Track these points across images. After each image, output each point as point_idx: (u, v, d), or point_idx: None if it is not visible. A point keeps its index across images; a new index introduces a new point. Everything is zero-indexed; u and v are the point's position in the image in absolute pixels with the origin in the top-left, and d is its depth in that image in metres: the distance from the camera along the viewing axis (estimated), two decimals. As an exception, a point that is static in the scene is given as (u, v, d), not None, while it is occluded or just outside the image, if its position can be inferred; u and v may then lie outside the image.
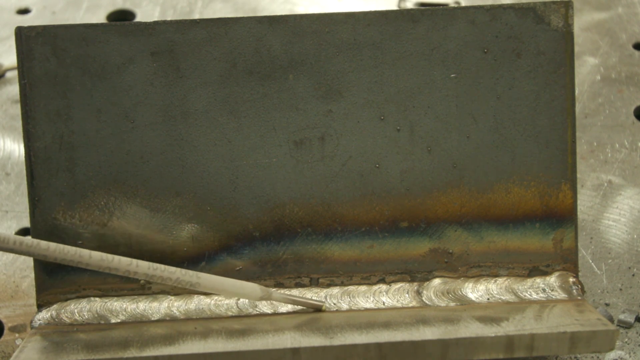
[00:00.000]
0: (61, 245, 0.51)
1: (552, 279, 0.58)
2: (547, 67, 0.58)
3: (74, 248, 0.51)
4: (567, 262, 0.59)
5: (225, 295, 0.55)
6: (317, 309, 0.57)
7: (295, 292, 0.58)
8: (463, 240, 0.59)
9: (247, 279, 0.58)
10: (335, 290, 0.58)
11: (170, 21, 0.58)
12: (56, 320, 0.57)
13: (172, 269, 0.53)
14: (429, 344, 0.51)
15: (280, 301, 0.56)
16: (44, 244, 0.50)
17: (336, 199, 0.59)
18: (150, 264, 0.52)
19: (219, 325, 0.55)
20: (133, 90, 0.58)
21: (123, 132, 0.58)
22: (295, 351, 0.51)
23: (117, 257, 0.52)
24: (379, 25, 0.58)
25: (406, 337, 0.51)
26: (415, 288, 0.58)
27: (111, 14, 0.99)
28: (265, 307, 0.57)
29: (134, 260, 0.52)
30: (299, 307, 0.57)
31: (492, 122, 0.58)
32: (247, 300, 0.58)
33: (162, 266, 0.53)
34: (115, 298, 0.58)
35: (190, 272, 0.53)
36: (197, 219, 0.58)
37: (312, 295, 0.58)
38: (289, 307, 0.57)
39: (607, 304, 0.62)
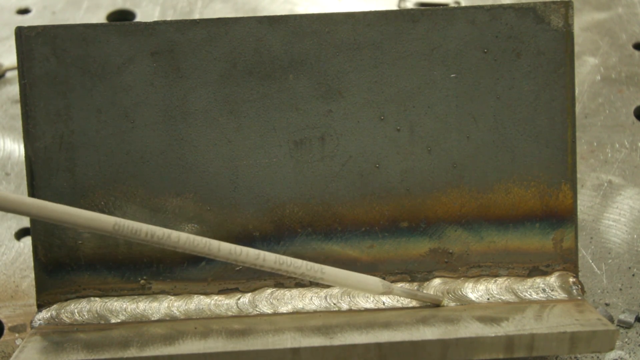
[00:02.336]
0: (192, 237, 0.51)
1: (552, 279, 0.58)
2: (547, 67, 0.58)
3: (203, 239, 0.51)
4: (567, 262, 0.59)
5: (349, 288, 0.56)
6: (436, 304, 0.57)
7: (309, 291, 0.58)
8: (463, 240, 0.59)
9: (247, 279, 0.58)
10: (335, 290, 0.58)
11: (170, 21, 0.58)
12: (56, 320, 0.57)
13: (299, 262, 0.53)
14: (429, 344, 0.51)
15: (400, 296, 0.56)
16: (174, 235, 0.50)
17: (336, 199, 0.59)
18: (277, 256, 0.52)
19: (219, 325, 0.55)
20: (133, 90, 0.58)
21: (123, 132, 0.58)
22: (295, 351, 0.51)
23: (245, 250, 0.51)
24: (379, 25, 0.58)
25: (406, 337, 0.51)
26: (415, 288, 0.58)
27: (111, 14, 0.99)
28: (265, 307, 0.57)
29: (262, 253, 0.52)
30: (333, 305, 0.57)
31: (492, 122, 0.58)
32: (247, 300, 0.58)
33: (289, 259, 0.52)
34: (115, 298, 0.58)
35: (316, 266, 0.53)
36: (197, 219, 0.58)
37: (312, 295, 0.58)
38: (289, 308, 0.57)
39: (607, 304, 0.62)
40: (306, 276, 0.53)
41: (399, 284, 0.58)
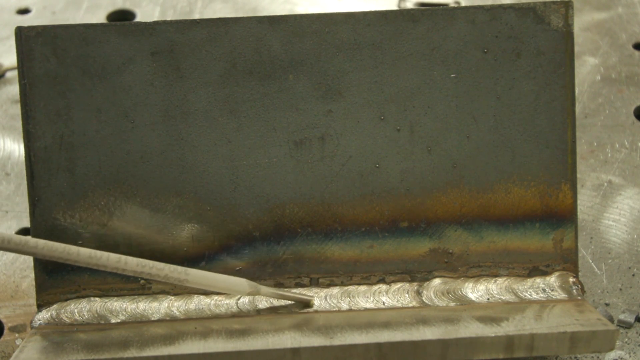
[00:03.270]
0: (50, 243, 0.51)
1: (552, 279, 0.58)
2: (547, 67, 0.58)
3: (62, 245, 0.51)
4: (567, 262, 0.59)
5: (214, 290, 0.55)
6: (306, 304, 0.57)
7: (309, 291, 0.58)
8: (463, 240, 0.59)
9: (247, 279, 0.58)
10: (335, 290, 0.58)
11: (170, 21, 0.58)
12: (56, 320, 0.57)
13: (161, 265, 0.53)
14: (429, 344, 0.51)
15: (268, 296, 0.56)
16: (32, 241, 0.50)
17: (336, 199, 0.59)
18: (139, 260, 0.53)
19: (219, 325, 0.55)
20: (133, 90, 0.58)
21: (123, 132, 0.58)
22: (295, 351, 0.51)
23: (105, 254, 0.52)
24: (379, 25, 0.58)
25: (406, 337, 0.51)
26: (415, 288, 0.58)
27: (111, 14, 0.99)
28: (265, 307, 0.57)
29: (123, 257, 0.52)
30: (287, 303, 0.57)
31: (492, 122, 0.58)
32: (247, 300, 0.58)
33: (151, 262, 0.53)
34: (115, 298, 0.58)
35: (179, 268, 0.53)
36: (197, 219, 0.58)
37: (312, 295, 0.58)
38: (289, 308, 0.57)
39: (607, 304, 0.62)
40: (170, 278, 0.53)
41: (399, 284, 0.58)
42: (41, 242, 0.50)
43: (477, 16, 0.58)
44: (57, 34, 0.57)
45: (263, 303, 0.58)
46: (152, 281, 0.58)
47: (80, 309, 0.57)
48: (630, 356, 0.58)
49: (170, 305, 0.58)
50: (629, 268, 0.65)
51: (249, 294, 0.55)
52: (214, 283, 0.54)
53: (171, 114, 0.58)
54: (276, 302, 0.57)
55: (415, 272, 0.59)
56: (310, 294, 0.57)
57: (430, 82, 0.58)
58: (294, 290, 0.58)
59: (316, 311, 0.57)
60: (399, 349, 0.51)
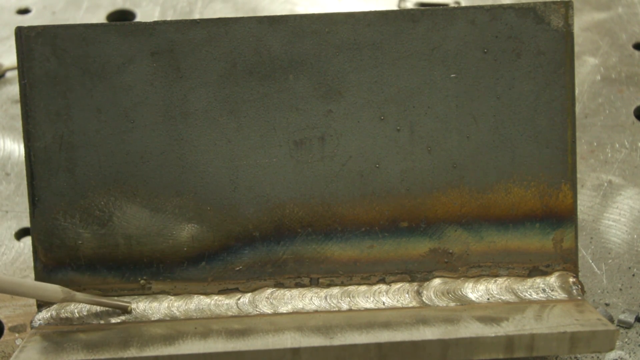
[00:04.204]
0: None
1: (552, 279, 0.58)
2: (547, 67, 0.58)
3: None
4: (567, 262, 0.59)
5: (27, 296, 0.54)
6: (124, 310, 0.57)
7: (309, 291, 0.58)
8: (463, 240, 0.59)
9: (247, 279, 0.58)
10: (335, 290, 0.58)
11: (170, 21, 0.58)
12: (56, 320, 0.57)
13: None
14: (429, 344, 0.51)
15: (84, 302, 0.56)
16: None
17: (336, 199, 0.59)
18: None
19: (219, 325, 0.55)
20: (133, 90, 0.58)
21: (123, 132, 0.58)
22: (295, 351, 0.51)
23: None
24: (379, 25, 0.58)
25: (406, 337, 0.51)
26: (415, 288, 0.58)
27: (111, 14, 0.99)
28: (265, 307, 0.57)
29: None
30: (282, 309, 0.57)
31: (492, 122, 0.58)
32: (247, 300, 0.58)
33: None
34: (115, 298, 0.58)
35: None
36: (197, 219, 0.58)
37: (312, 295, 0.58)
38: (288, 307, 0.57)
39: (607, 304, 0.62)
40: None
41: (399, 284, 0.58)
42: None
43: (477, 16, 0.58)
44: (57, 34, 0.57)
45: (263, 303, 0.58)
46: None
47: (80, 309, 0.57)
48: (630, 356, 0.58)
49: (170, 305, 0.58)
50: (629, 268, 0.65)
51: (62, 300, 0.54)
52: (24, 290, 0.53)
53: (171, 114, 0.58)
54: (93, 309, 0.57)
55: (415, 272, 0.59)
56: (127, 301, 0.57)
57: (430, 82, 0.58)
58: (308, 295, 0.58)
59: (316, 311, 0.57)
60: (399, 349, 0.51)
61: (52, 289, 0.54)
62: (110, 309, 0.57)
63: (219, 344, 0.52)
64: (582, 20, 0.94)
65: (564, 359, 0.58)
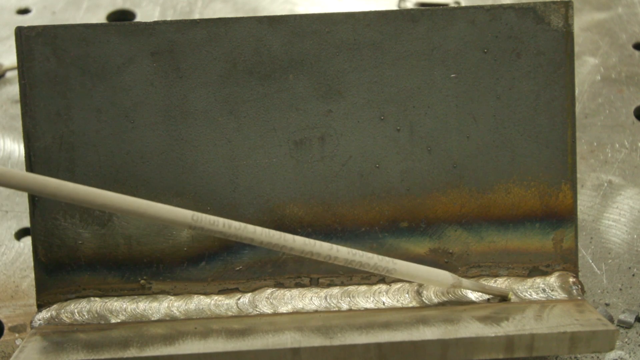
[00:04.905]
0: (267, 230, 0.51)
1: (552, 279, 0.58)
2: (547, 67, 0.58)
3: (278, 233, 0.51)
4: (567, 262, 0.59)
5: (418, 281, 0.56)
6: (504, 298, 0.57)
7: (309, 292, 0.58)
8: (463, 240, 0.59)
9: (247, 280, 0.58)
10: (335, 290, 0.58)
11: (170, 21, 0.58)
12: (56, 320, 0.57)
13: (370, 255, 0.53)
14: (429, 344, 0.51)
15: (469, 289, 0.57)
16: (251, 227, 0.51)
17: (336, 199, 0.59)
18: (350, 249, 0.53)
19: (219, 325, 0.55)
20: (133, 90, 0.58)
21: (123, 132, 0.58)
22: (295, 351, 0.51)
23: (319, 243, 0.52)
24: (379, 25, 0.58)
25: (406, 337, 0.51)
26: (415, 288, 0.58)
27: (111, 14, 0.99)
28: (265, 307, 0.57)
29: (334, 246, 0.52)
30: (309, 307, 0.57)
31: (492, 122, 0.58)
32: (247, 300, 0.58)
33: (361, 252, 0.53)
34: (115, 298, 0.58)
35: (387, 258, 0.53)
36: (197, 219, 0.58)
37: (312, 295, 0.58)
38: (289, 308, 0.57)
39: (607, 304, 0.62)
40: (378, 267, 0.53)
41: (399, 284, 0.58)
42: (259, 230, 0.51)
43: (477, 16, 0.58)
44: (57, 34, 0.57)
45: (263, 303, 0.58)
46: (361, 271, 0.58)
47: (80, 309, 0.57)
48: (630, 356, 0.58)
49: (170, 305, 0.58)
50: (629, 268, 0.65)
51: (452, 286, 0.56)
52: (419, 274, 0.54)
53: (171, 114, 0.58)
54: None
55: (415, 272, 0.59)
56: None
57: (430, 82, 0.58)
58: (308, 295, 0.58)
59: (316, 311, 0.57)
60: (399, 349, 0.51)
61: (443, 275, 0.55)
62: (490, 295, 0.58)
63: (219, 344, 0.52)
64: (582, 20, 0.94)
65: (564, 359, 0.58)
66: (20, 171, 0.47)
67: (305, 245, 0.52)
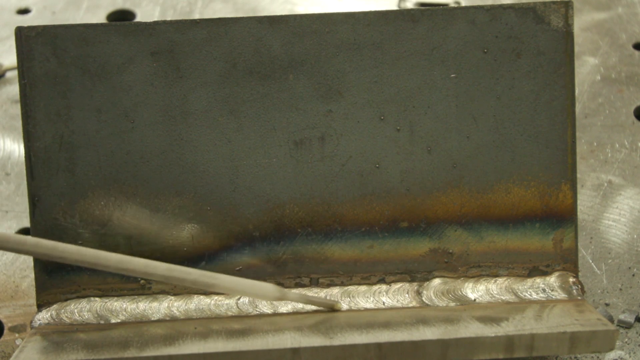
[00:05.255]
0: (79, 248, 0.50)
1: (552, 279, 0.58)
2: (547, 67, 0.58)
3: (92, 251, 0.50)
4: (567, 262, 0.59)
5: (242, 295, 0.55)
6: (332, 308, 0.57)
7: (309, 292, 0.58)
8: (463, 240, 0.59)
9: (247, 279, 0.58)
10: (335, 290, 0.58)
11: (170, 21, 0.58)
12: (56, 320, 0.57)
13: (189, 270, 0.52)
14: (429, 344, 0.51)
15: (295, 300, 0.56)
16: (61, 246, 0.50)
17: (336, 199, 0.59)
18: (169, 265, 0.52)
19: (219, 325, 0.55)
20: (133, 90, 0.58)
21: (123, 132, 0.58)
22: (295, 351, 0.51)
23: (135, 259, 0.51)
24: (379, 25, 0.58)
25: (406, 337, 0.51)
26: (415, 288, 0.58)
27: (111, 14, 0.99)
28: (265, 307, 0.57)
29: (150, 263, 0.52)
30: (308, 307, 0.57)
31: (492, 122, 0.58)
32: (247, 300, 0.58)
33: (180, 268, 0.52)
34: (115, 298, 0.58)
35: (208, 273, 0.53)
36: (197, 219, 0.58)
37: (312, 295, 0.58)
38: (289, 307, 0.57)
39: (607, 304, 0.62)
40: (198, 283, 0.52)
41: (399, 284, 0.58)
42: (69, 247, 0.50)
43: (477, 16, 0.58)
44: (57, 34, 0.57)
45: (263, 303, 0.58)
46: (180, 285, 0.57)
47: (80, 309, 0.57)
48: (630, 356, 0.58)
49: (170, 305, 0.58)
50: (629, 268, 0.65)
51: (276, 298, 0.55)
52: (242, 288, 0.54)
53: (171, 114, 0.58)
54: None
55: (415, 272, 0.59)
56: (334, 298, 0.57)
57: (430, 82, 0.58)
58: (321, 294, 0.58)
59: (316, 311, 0.57)
60: (399, 349, 0.51)
61: (266, 288, 0.54)
62: (317, 307, 0.57)
63: (219, 344, 0.52)
64: (582, 20, 0.94)
65: (564, 359, 0.58)
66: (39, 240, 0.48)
67: (120, 263, 0.51)
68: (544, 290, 0.58)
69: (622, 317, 0.61)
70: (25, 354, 0.52)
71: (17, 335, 0.62)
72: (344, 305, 0.57)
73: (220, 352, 0.51)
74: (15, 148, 0.80)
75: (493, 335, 0.51)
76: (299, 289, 0.58)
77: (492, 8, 0.58)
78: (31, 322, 0.57)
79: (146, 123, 0.58)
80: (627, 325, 0.60)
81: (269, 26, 0.58)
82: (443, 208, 0.59)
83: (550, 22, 0.58)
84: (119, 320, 0.57)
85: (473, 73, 0.58)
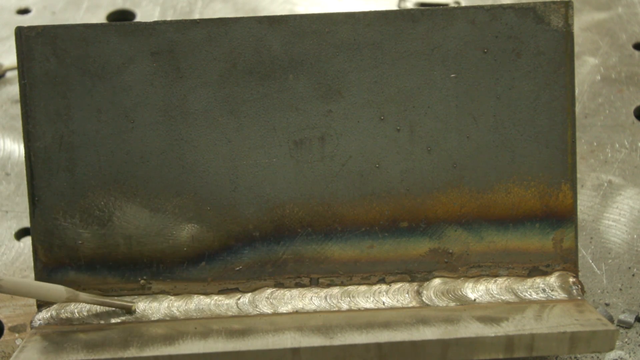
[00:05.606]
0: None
1: (552, 279, 0.58)
2: (547, 67, 0.58)
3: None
4: (567, 262, 0.59)
5: (31, 297, 0.55)
6: (128, 310, 0.57)
7: (309, 291, 0.58)
8: (463, 240, 0.59)
9: (247, 279, 0.58)
10: (335, 290, 0.58)
11: (170, 21, 0.58)
12: (56, 320, 0.57)
13: None
14: (429, 344, 0.51)
15: (87, 302, 0.56)
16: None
17: (336, 199, 0.59)
18: None
19: (219, 325, 0.55)
20: (133, 90, 0.58)
21: (123, 132, 0.58)
22: (295, 351, 0.51)
23: None
24: (379, 25, 0.58)
25: (406, 337, 0.51)
26: (415, 288, 0.58)
27: (111, 14, 0.99)
28: (265, 307, 0.57)
29: None
30: (308, 307, 0.57)
31: (492, 122, 0.58)
32: (247, 300, 0.58)
33: None
34: (117, 298, 0.58)
35: None
36: (197, 219, 0.58)
37: (312, 295, 0.58)
38: (289, 308, 0.57)
39: (607, 304, 0.62)
40: None
41: (399, 284, 0.58)
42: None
43: (477, 16, 0.58)
44: (57, 34, 0.57)
45: (263, 303, 0.58)
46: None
47: (80, 309, 0.57)
48: (630, 356, 0.58)
49: (170, 305, 0.58)
50: (629, 268, 0.65)
51: (66, 300, 0.55)
52: (30, 290, 0.53)
53: (171, 114, 0.58)
54: (93, 309, 0.57)
55: (415, 272, 0.59)
56: (130, 300, 0.57)
57: (430, 82, 0.58)
58: (308, 295, 0.58)
59: (316, 311, 0.57)
60: (399, 349, 0.51)
61: (55, 289, 0.54)
62: (113, 308, 0.57)
63: (219, 344, 0.52)
64: (582, 20, 0.94)
65: (564, 359, 0.58)
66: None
67: None
68: (544, 290, 0.58)
69: (622, 317, 0.61)
70: (25, 354, 0.52)
71: (17, 335, 0.62)
72: (344, 305, 0.57)
73: (220, 352, 0.51)
74: (15, 148, 0.80)
75: (493, 335, 0.51)
76: (298, 289, 0.58)
77: (492, 8, 0.58)
78: (31, 322, 0.57)
79: (146, 123, 0.58)
80: (627, 325, 0.60)
81: (269, 26, 0.58)
82: (443, 208, 0.59)
83: (550, 22, 0.58)
84: (119, 320, 0.57)
85: (473, 73, 0.58)
